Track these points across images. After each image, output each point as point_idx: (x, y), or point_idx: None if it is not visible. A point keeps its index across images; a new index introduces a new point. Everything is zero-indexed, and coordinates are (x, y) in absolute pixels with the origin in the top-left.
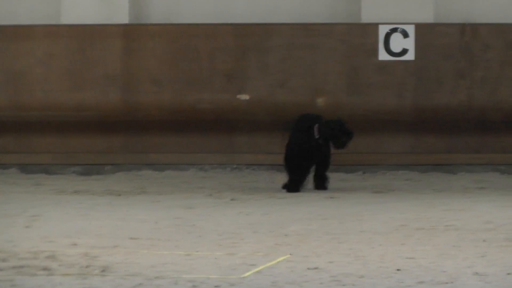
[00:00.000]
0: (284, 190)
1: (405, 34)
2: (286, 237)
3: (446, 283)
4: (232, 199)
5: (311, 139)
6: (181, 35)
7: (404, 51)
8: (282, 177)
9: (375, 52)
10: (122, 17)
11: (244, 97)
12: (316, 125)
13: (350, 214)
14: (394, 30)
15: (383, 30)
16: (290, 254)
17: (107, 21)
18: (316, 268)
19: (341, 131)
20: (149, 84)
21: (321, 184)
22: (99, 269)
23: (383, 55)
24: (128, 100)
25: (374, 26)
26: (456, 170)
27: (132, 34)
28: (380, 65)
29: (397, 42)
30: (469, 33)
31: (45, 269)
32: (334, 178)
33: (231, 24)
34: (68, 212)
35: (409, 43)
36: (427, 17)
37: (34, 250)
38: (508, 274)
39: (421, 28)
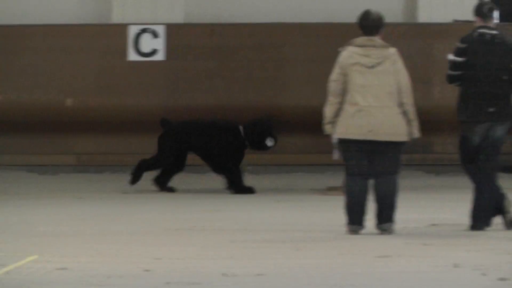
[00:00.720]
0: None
1: (155, 35)
2: (35, 237)
3: (194, 283)
4: None
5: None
6: None
7: (154, 52)
8: (33, 177)
9: (125, 52)
10: None
11: None
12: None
13: (100, 215)
14: (144, 31)
15: (133, 31)
16: (39, 254)
17: None
18: (64, 268)
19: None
20: None
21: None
22: None
23: (133, 56)
24: None
25: (124, 26)
26: (202, 171)
27: None
28: (130, 66)
29: (147, 43)
30: (219, 33)
31: None
32: (81, 178)
33: None
34: None
35: (159, 44)
36: (177, 17)
37: None
38: (258, 275)
39: (171, 29)
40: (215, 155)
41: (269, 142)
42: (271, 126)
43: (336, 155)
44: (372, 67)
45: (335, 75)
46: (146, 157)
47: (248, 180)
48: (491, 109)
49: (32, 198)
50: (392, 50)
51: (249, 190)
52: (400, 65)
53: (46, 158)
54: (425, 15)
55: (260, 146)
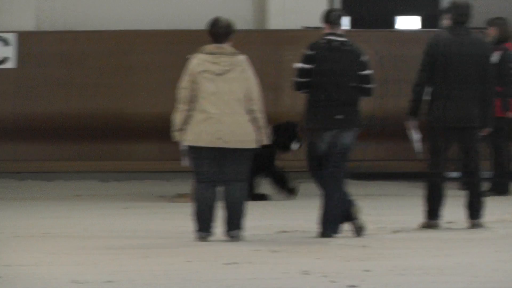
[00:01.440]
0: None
1: (6, 42)
2: None
3: None
4: None
5: None
6: None
7: (5, 59)
8: None
9: None
10: None
11: None
12: None
13: None
14: None
15: None
16: None
17: None
18: None
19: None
20: None
21: None
22: None
23: None
24: None
25: None
26: (51, 178)
27: None
28: None
29: None
30: (69, 40)
31: None
32: None
33: None
34: None
35: (10, 51)
36: (29, 25)
37: None
38: (107, 282)
39: (22, 36)
40: None
41: (295, 146)
42: (297, 130)
43: (185, 162)
44: (221, 74)
45: (184, 82)
46: None
47: (96, 187)
48: (338, 116)
49: None
50: (242, 57)
51: (261, 197)
52: (249, 72)
53: None
54: (275, 22)
55: (285, 148)
